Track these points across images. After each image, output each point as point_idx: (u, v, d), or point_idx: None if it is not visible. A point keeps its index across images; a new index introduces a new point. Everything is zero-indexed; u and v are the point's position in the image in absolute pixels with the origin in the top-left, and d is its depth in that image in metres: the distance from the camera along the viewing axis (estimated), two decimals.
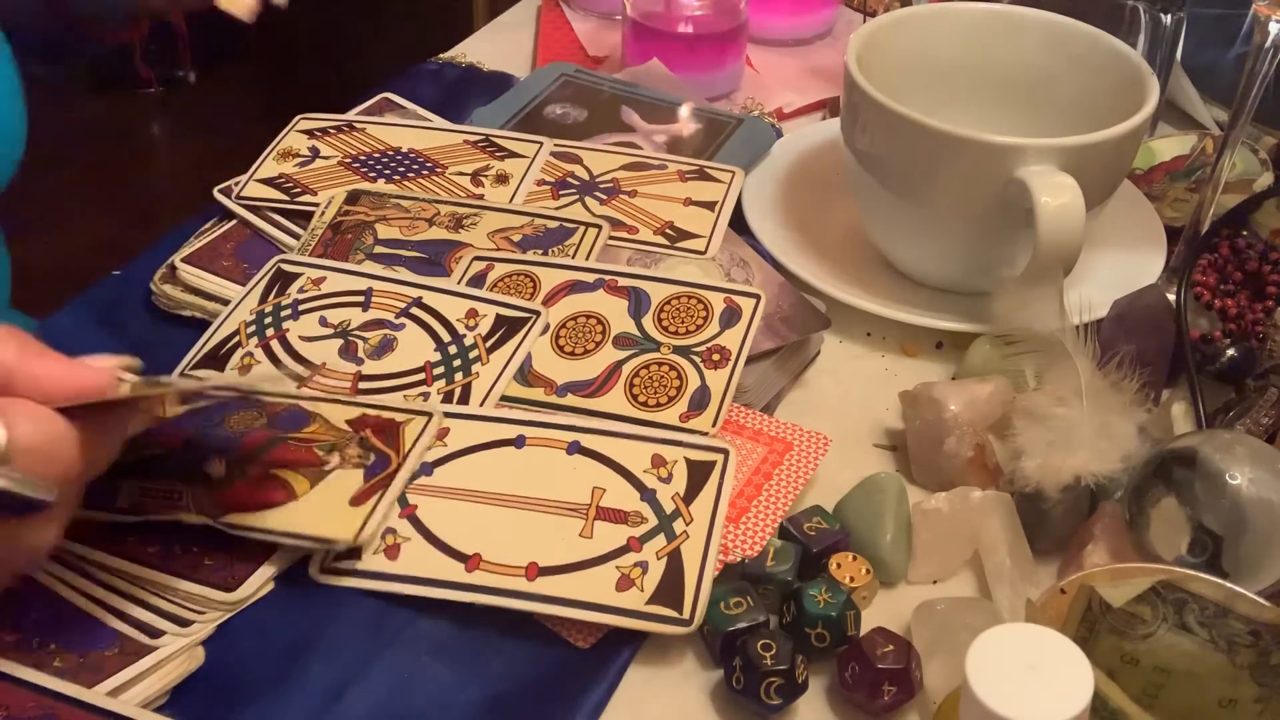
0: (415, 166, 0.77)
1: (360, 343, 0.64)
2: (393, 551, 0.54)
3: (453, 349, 0.64)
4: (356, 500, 0.55)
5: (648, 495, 0.56)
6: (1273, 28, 0.63)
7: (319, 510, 0.54)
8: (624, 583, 0.53)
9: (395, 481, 0.56)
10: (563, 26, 1.00)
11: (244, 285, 0.68)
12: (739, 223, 0.74)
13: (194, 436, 0.58)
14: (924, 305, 0.70)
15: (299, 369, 0.63)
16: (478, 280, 0.68)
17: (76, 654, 0.50)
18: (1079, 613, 0.49)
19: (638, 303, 0.65)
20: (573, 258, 0.69)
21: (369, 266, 0.69)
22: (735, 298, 0.65)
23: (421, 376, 0.62)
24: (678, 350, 0.63)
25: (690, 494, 0.56)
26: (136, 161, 1.93)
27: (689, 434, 0.59)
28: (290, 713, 0.49)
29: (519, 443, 0.58)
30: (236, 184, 0.75)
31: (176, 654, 0.50)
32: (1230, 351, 0.65)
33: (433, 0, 1.80)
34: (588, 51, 0.97)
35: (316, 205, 0.73)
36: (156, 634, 0.51)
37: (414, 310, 0.66)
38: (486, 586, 0.53)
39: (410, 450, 0.57)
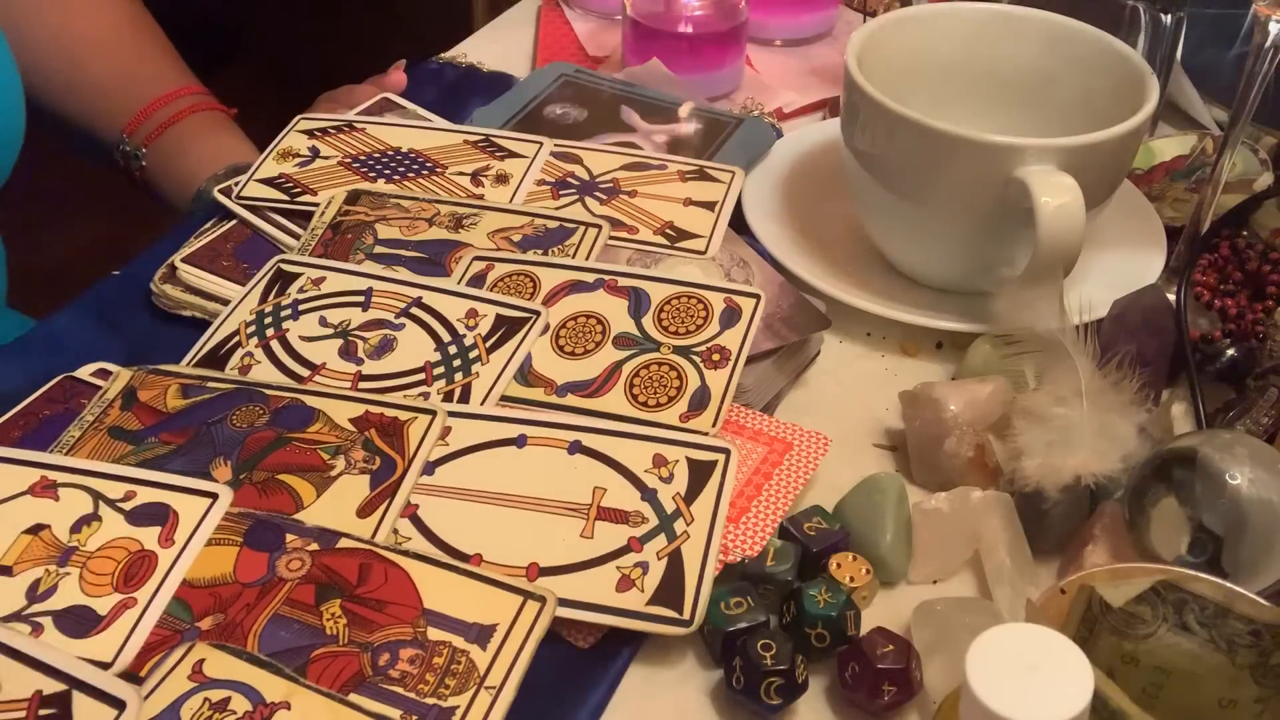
0: (415, 166, 0.77)
1: (360, 343, 0.64)
2: None
3: (453, 349, 0.64)
4: (363, 511, 0.55)
5: (648, 495, 0.56)
6: (1273, 28, 0.63)
7: (325, 523, 0.54)
8: (624, 583, 0.53)
9: (401, 490, 0.56)
10: (563, 26, 1.00)
11: (244, 285, 0.68)
12: (739, 223, 0.74)
13: (198, 434, 0.58)
14: (924, 305, 0.70)
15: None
16: (478, 280, 0.68)
17: None
18: (1079, 613, 0.49)
19: (638, 303, 0.65)
20: (573, 258, 0.69)
21: (369, 266, 0.69)
22: (735, 298, 0.65)
23: (421, 376, 0.62)
24: (678, 350, 0.63)
25: (691, 494, 0.56)
26: None
27: (690, 434, 0.59)
28: None
29: (520, 442, 0.58)
30: (236, 184, 0.75)
31: None
32: (1230, 351, 0.65)
33: (433, 0, 1.79)
34: (588, 51, 0.97)
35: (316, 205, 0.73)
36: None
37: (414, 310, 0.66)
38: None
39: (416, 454, 0.57)
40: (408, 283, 0.67)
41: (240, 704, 0.47)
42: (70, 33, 0.87)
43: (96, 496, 0.55)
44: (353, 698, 0.47)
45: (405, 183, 0.76)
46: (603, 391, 0.61)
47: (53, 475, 0.55)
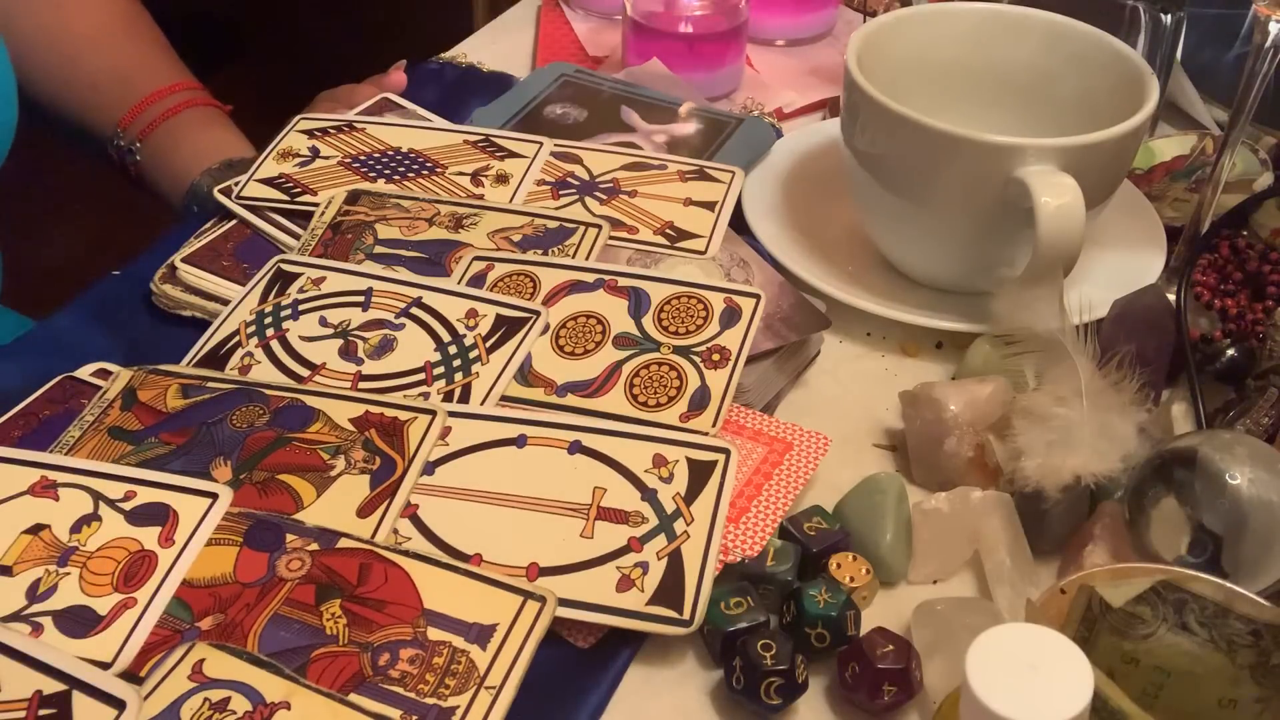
0: (415, 166, 0.77)
1: (360, 343, 0.64)
2: None
3: (453, 349, 0.64)
4: (363, 511, 0.55)
5: (648, 495, 0.56)
6: (1273, 28, 0.63)
7: (325, 523, 0.54)
8: (624, 583, 0.53)
9: (401, 490, 0.56)
10: (563, 26, 1.00)
11: (244, 285, 0.68)
12: (739, 223, 0.74)
13: (198, 434, 0.58)
14: (924, 305, 0.70)
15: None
16: (478, 280, 0.68)
17: None
18: (1079, 613, 0.49)
19: (638, 303, 0.65)
20: (573, 258, 0.69)
21: (369, 266, 0.69)
22: (735, 298, 0.65)
23: (421, 376, 0.62)
24: (678, 350, 0.63)
25: (691, 494, 0.56)
26: None
27: (690, 434, 0.59)
28: None
29: (520, 442, 0.58)
30: (236, 184, 0.75)
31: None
32: (1230, 351, 0.65)
33: (433, 0, 1.79)
34: (588, 51, 0.97)
35: (316, 205, 0.73)
36: None
37: (414, 310, 0.66)
38: None
39: (416, 454, 0.57)
40: (408, 283, 0.67)
41: (240, 704, 0.47)
42: (65, 27, 0.87)
43: (96, 496, 0.55)
44: (353, 698, 0.47)
45: (405, 183, 0.76)
46: (603, 392, 0.61)
47: (53, 475, 0.55)
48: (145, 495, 0.55)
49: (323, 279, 0.68)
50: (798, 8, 0.98)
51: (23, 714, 0.46)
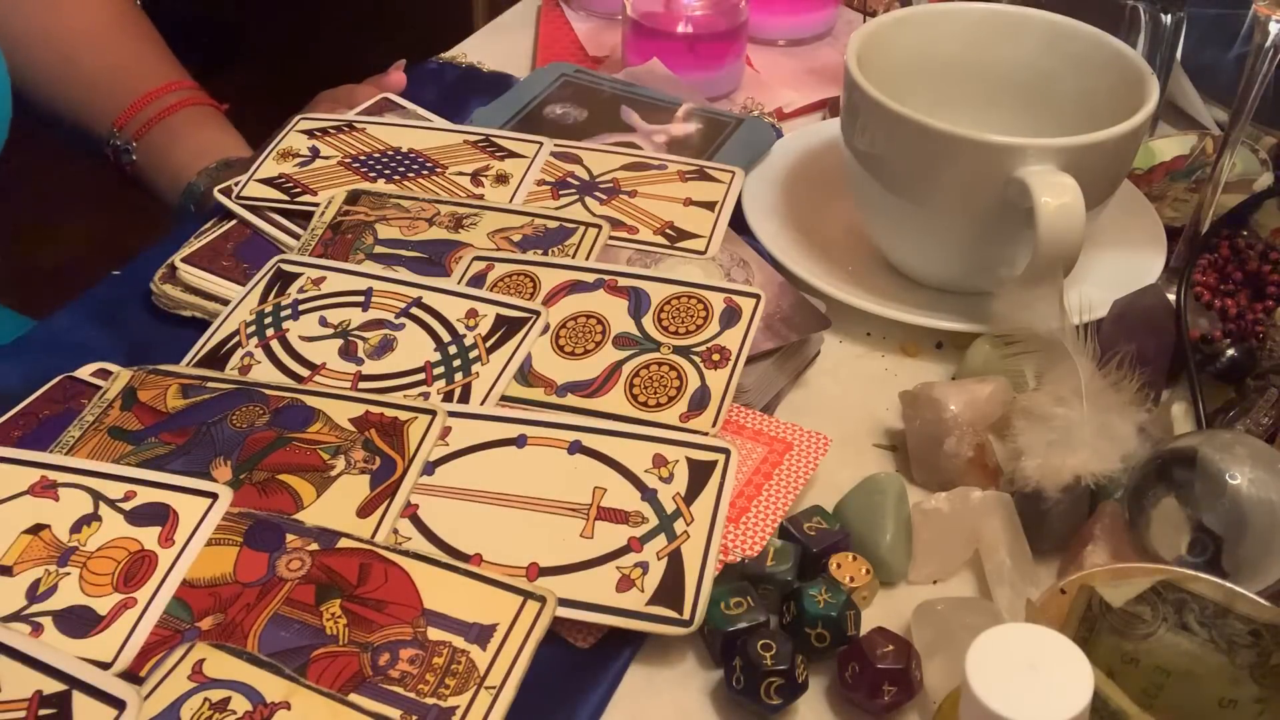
0: (415, 166, 0.77)
1: (360, 343, 0.64)
2: None
3: (453, 349, 0.64)
4: (364, 511, 0.55)
5: (648, 495, 0.56)
6: (1273, 28, 0.63)
7: (325, 523, 0.54)
8: (624, 583, 0.53)
9: (401, 490, 0.56)
10: (563, 26, 1.00)
11: (244, 285, 0.68)
12: (739, 223, 0.74)
13: (198, 434, 0.58)
14: (924, 305, 0.70)
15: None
16: (478, 280, 0.68)
17: None
18: (1079, 613, 0.49)
19: (638, 303, 0.65)
20: (573, 258, 0.69)
21: (369, 266, 0.69)
22: (735, 298, 0.65)
23: (421, 376, 0.62)
24: (678, 350, 0.63)
25: (691, 494, 0.56)
26: None
27: (690, 434, 0.59)
28: None
29: (520, 442, 0.58)
30: (236, 184, 0.75)
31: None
32: (1230, 351, 0.65)
33: (433, 0, 1.80)
34: (588, 51, 0.97)
35: (316, 205, 0.73)
36: None
37: (414, 310, 0.66)
38: None
39: (415, 454, 0.57)
40: (408, 283, 0.67)
41: (240, 704, 0.47)
42: (60, 26, 0.87)
43: (96, 496, 0.55)
44: (353, 698, 0.47)
45: (405, 183, 0.76)
46: (603, 392, 0.61)
47: (53, 475, 0.56)
48: (145, 495, 0.55)
49: (323, 279, 0.68)
50: (798, 8, 0.98)
51: (23, 714, 0.46)
